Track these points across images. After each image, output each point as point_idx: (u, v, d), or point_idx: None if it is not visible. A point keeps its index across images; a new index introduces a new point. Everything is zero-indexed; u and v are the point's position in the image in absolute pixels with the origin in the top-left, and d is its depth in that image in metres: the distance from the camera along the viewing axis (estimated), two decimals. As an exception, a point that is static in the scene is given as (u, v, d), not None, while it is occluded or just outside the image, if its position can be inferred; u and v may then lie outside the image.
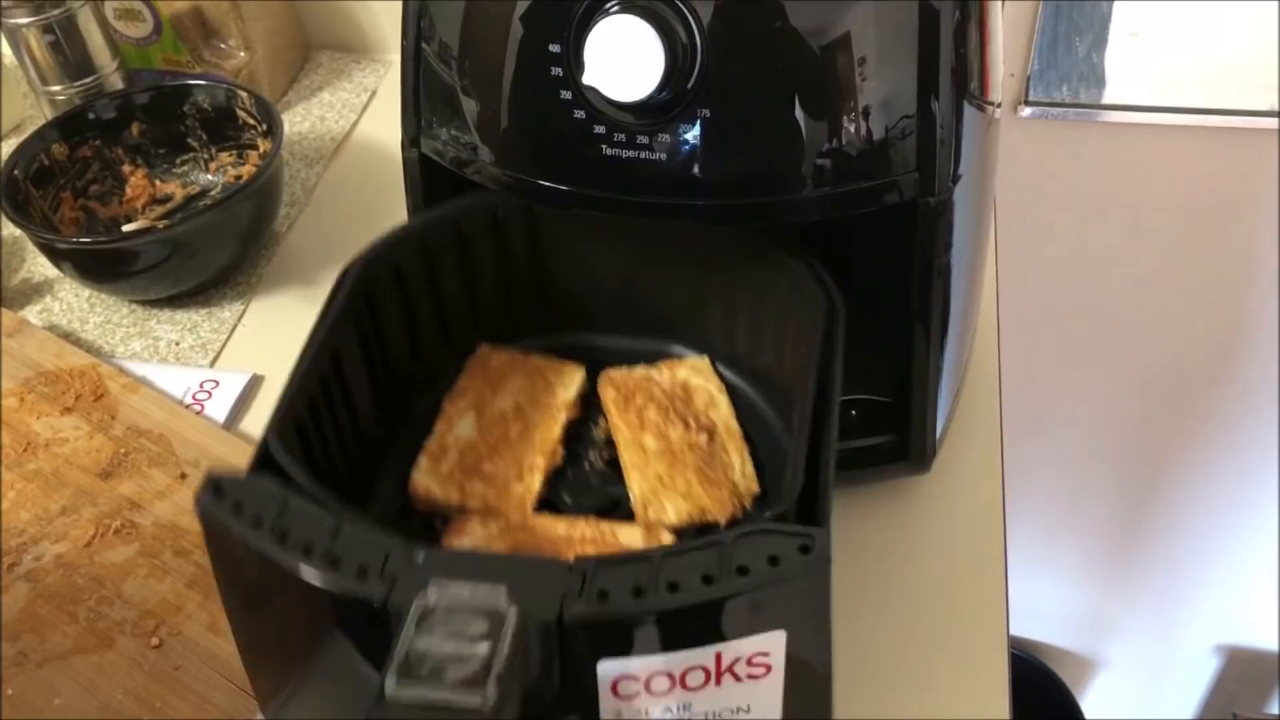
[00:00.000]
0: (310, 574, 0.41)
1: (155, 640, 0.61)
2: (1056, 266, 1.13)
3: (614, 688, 0.41)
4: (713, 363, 0.66)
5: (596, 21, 0.48)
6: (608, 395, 0.63)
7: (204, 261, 0.82)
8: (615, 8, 0.48)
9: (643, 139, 0.50)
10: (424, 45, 0.57)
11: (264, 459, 0.49)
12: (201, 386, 0.76)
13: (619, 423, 0.61)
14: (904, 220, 0.55)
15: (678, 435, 0.60)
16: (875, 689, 0.58)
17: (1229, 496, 1.32)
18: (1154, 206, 1.08)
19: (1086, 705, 1.47)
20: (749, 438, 0.62)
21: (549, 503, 0.60)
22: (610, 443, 0.61)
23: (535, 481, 0.59)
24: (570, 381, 0.64)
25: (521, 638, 0.37)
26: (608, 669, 0.40)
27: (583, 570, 0.40)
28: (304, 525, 0.43)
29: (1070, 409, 1.27)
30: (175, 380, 0.76)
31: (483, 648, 0.36)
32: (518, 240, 0.64)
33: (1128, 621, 1.50)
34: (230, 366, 0.79)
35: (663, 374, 0.65)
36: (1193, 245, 1.10)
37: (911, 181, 0.53)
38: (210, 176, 0.91)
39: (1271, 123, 1.00)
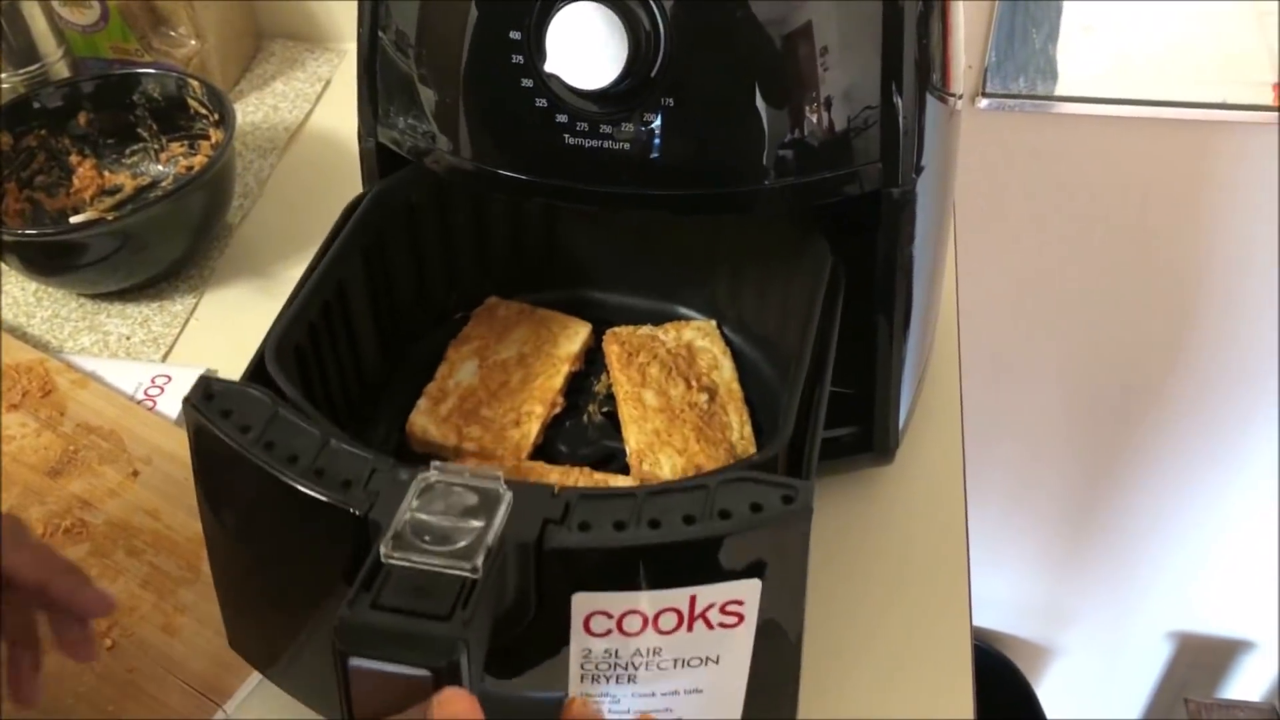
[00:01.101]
0: (294, 482, 0.40)
1: (108, 642, 0.60)
2: (1012, 257, 1.14)
3: (587, 623, 0.41)
4: (719, 326, 0.67)
5: (558, 9, 0.47)
6: (611, 350, 0.63)
7: (155, 254, 0.80)
8: (577, -6, 0.47)
9: (605, 128, 0.50)
10: (380, 33, 0.56)
11: (257, 372, 0.49)
12: (153, 382, 0.74)
13: (620, 377, 0.62)
14: (866, 212, 0.55)
15: (678, 393, 0.61)
16: (840, 677, 0.58)
17: (1180, 487, 1.34)
18: (1108, 197, 1.09)
19: (1043, 693, 1.49)
20: (750, 402, 0.62)
21: (545, 451, 0.61)
22: (611, 398, 0.62)
23: (532, 429, 0.60)
24: (575, 335, 0.65)
25: (512, 520, 0.37)
26: (582, 601, 0.40)
27: (566, 500, 0.40)
28: (292, 437, 0.42)
29: (1023, 401, 1.28)
30: (126, 376, 0.75)
31: (475, 524, 0.37)
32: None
33: (1082, 611, 1.52)
34: (183, 361, 0.77)
35: (668, 334, 0.65)
36: (1145, 235, 1.11)
37: (875, 172, 0.53)
38: (161, 167, 0.89)
39: (1220, 114, 1.01)
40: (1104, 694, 1.63)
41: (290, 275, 0.83)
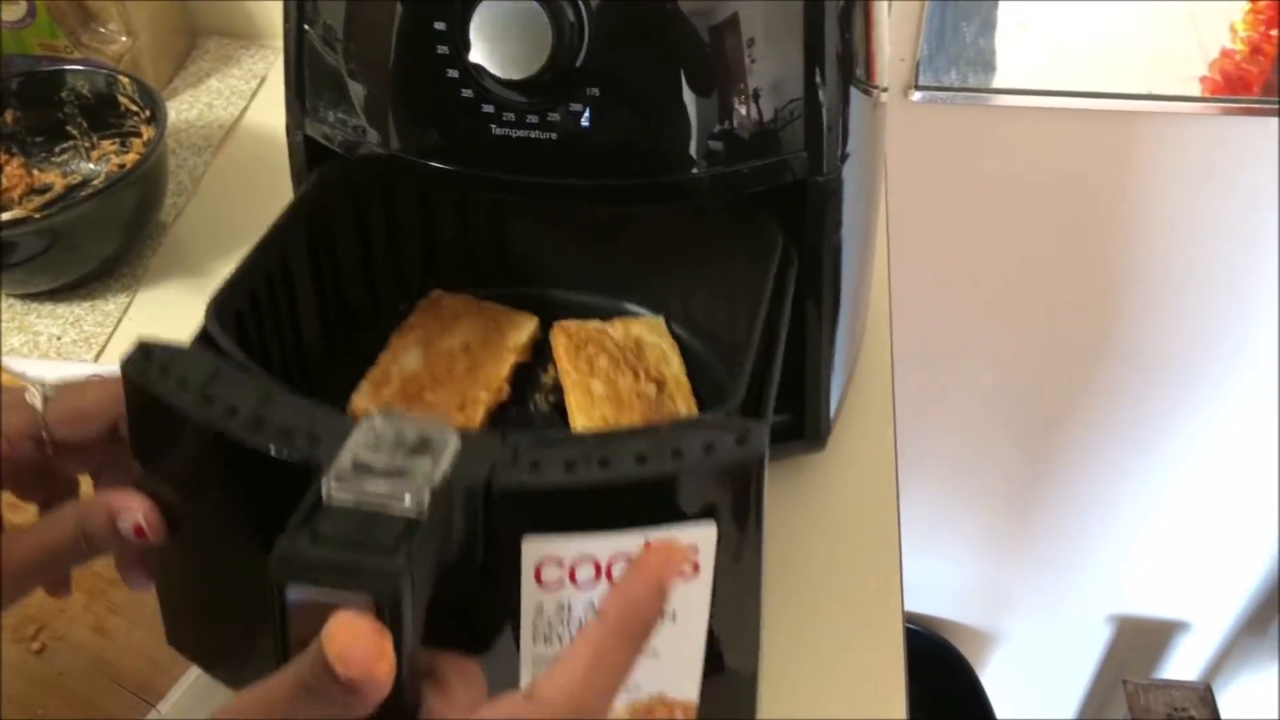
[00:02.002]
0: (234, 434, 0.39)
1: (36, 645, 0.59)
2: (945, 247, 1.16)
3: (538, 573, 0.40)
4: (668, 323, 0.67)
5: (482, -1, 0.47)
6: (559, 342, 0.64)
7: (86, 253, 0.79)
8: (501, -15, 0.47)
9: (532, 118, 0.50)
10: (307, 26, 0.55)
11: (202, 338, 0.49)
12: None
13: (568, 366, 0.62)
14: (793, 200, 0.55)
15: (626, 384, 0.61)
16: (772, 664, 0.58)
17: (1112, 472, 1.37)
18: (1039, 187, 1.11)
19: (986, 678, 1.51)
20: (699, 395, 0.62)
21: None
22: (558, 388, 0.62)
23: (477, 414, 0.59)
24: (523, 327, 0.65)
25: (459, 464, 0.36)
26: (533, 548, 0.39)
27: (515, 444, 0.39)
28: (232, 391, 0.41)
29: (959, 388, 1.30)
30: (57, 376, 0.74)
31: (423, 463, 0.35)
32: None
33: (1022, 595, 1.55)
34: (116, 361, 0.76)
35: (616, 329, 0.66)
36: (1074, 224, 1.13)
37: (801, 161, 0.53)
38: (92, 165, 0.88)
39: (1149, 105, 1.03)
40: (1046, 677, 1.66)
41: (225, 272, 0.82)
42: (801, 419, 0.62)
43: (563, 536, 0.39)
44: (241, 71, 1.04)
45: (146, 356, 0.43)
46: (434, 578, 0.36)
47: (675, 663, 0.43)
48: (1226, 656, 1.58)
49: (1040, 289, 1.19)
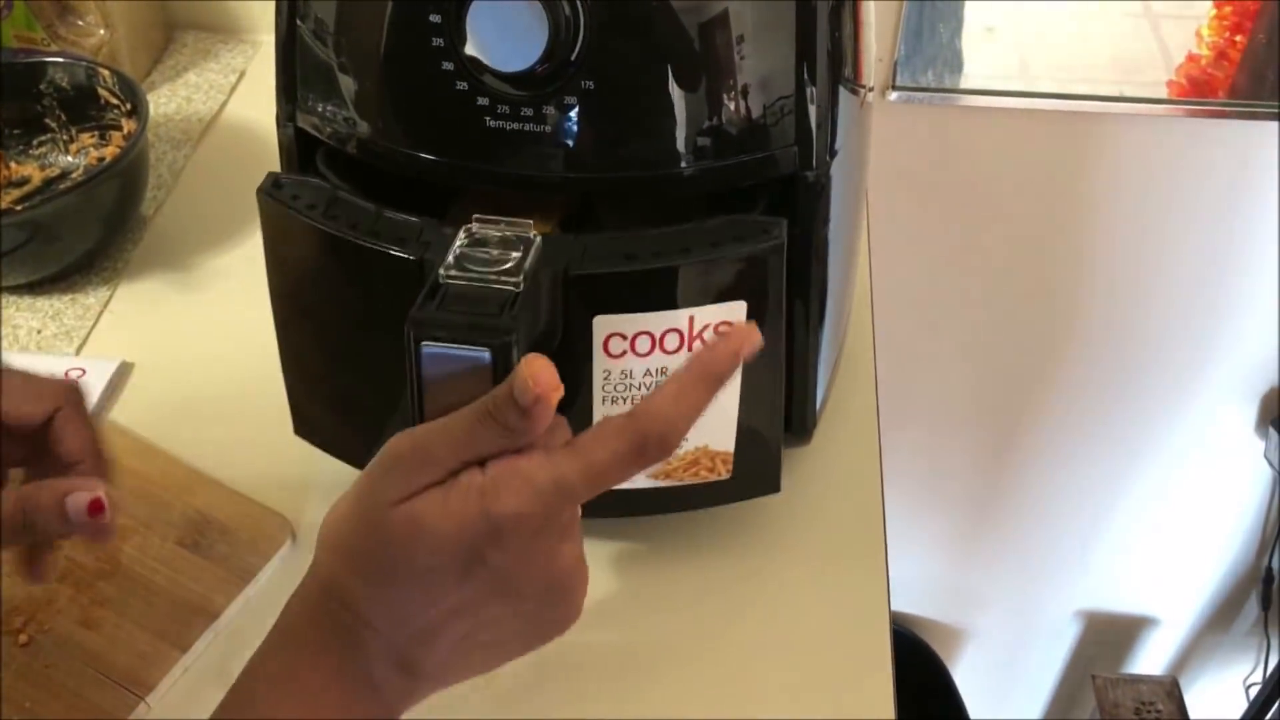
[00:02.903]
0: (358, 240, 0.50)
1: (23, 638, 0.58)
2: (920, 246, 1.17)
3: (606, 344, 0.50)
4: None
5: (479, -8, 0.47)
6: (601, 206, 0.64)
7: (66, 246, 0.78)
8: (497, -21, 0.48)
9: (526, 111, 0.50)
10: (298, 17, 0.55)
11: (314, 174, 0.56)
12: (66, 375, 0.73)
13: (610, 218, 0.63)
14: (782, 195, 0.56)
15: None
16: (759, 656, 0.59)
17: (1084, 468, 1.38)
18: (1013, 186, 1.12)
19: (957, 673, 1.53)
20: None
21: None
22: None
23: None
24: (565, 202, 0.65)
25: (542, 256, 0.46)
26: (601, 324, 0.50)
27: (584, 243, 0.50)
28: (350, 212, 0.52)
29: (928, 386, 1.31)
30: (38, 369, 0.73)
31: (514, 255, 0.45)
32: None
33: (993, 592, 1.56)
34: (97, 355, 0.76)
35: None
36: (1045, 222, 1.15)
37: (791, 156, 0.54)
38: (71, 158, 0.87)
39: (1117, 107, 1.05)
40: (1016, 672, 1.68)
41: (208, 265, 0.83)
42: (788, 412, 0.62)
43: (625, 314, 0.50)
44: (220, 66, 1.03)
45: (278, 185, 0.54)
46: (529, 347, 0.45)
47: (715, 419, 0.54)
48: (1193, 651, 1.60)
49: (1009, 288, 1.21)
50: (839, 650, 0.59)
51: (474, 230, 0.46)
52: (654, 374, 0.52)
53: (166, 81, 1.01)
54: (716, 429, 0.55)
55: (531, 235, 0.46)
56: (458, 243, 0.45)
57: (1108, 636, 1.60)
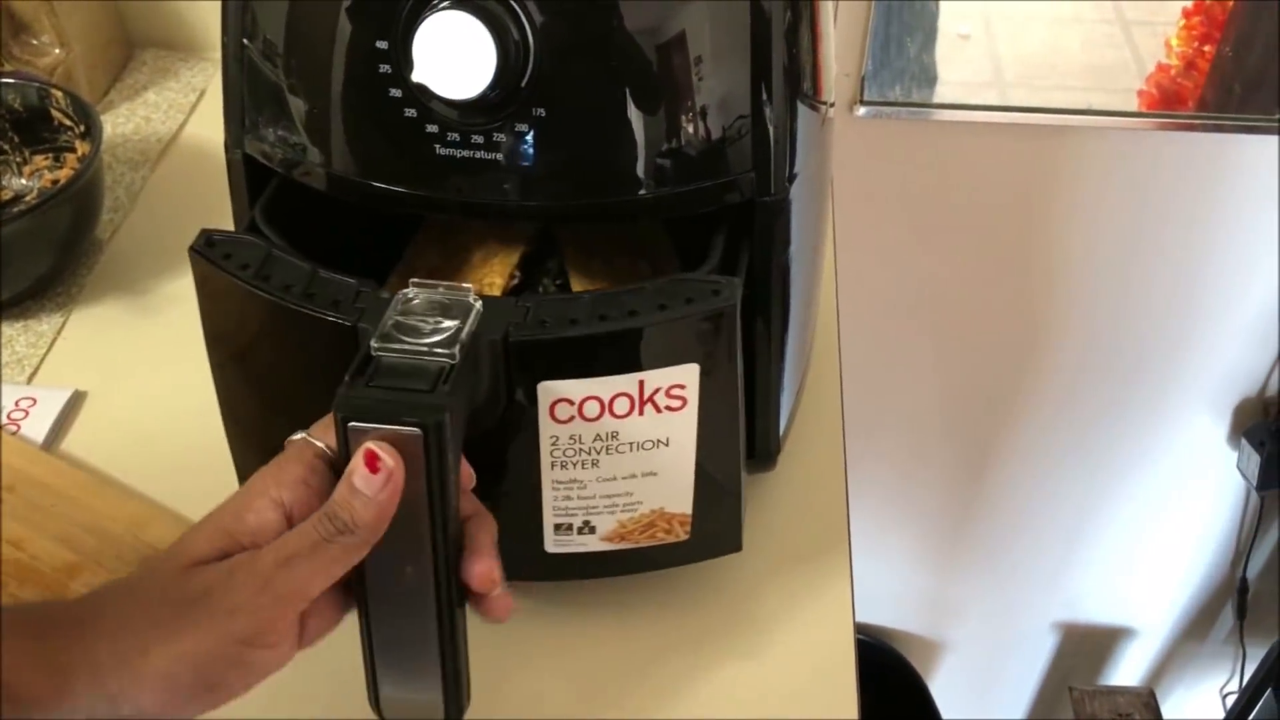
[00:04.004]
0: (291, 304, 0.48)
1: None
2: (890, 260, 1.17)
3: (552, 410, 0.48)
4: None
5: (425, 17, 0.46)
6: (563, 235, 0.64)
7: (18, 271, 0.77)
8: (444, 3, 0.47)
9: (477, 138, 0.49)
10: (247, 41, 0.54)
11: (250, 228, 0.55)
12: (17, 405, 0.71)
13: (571, 250, 0.63)
14: (742, 219, 0.55)
15: (624, 263, 0.63)
16: (726, 682, 0.58)
17: (1059, 480, 1.38)
18: (981, 200, 1.12)
19: (934, 686, 1.52)
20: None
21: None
22: (563, 273, 0.63)
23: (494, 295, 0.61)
24: (525, 230, 0.65)
25: (482, 322, 0.44)
26: (547, 390, 0.48)
27: (527, 305, 0.48)
28: (284, 272, 0.50)
29: (902, 400, 1.30)
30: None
31: (452, 324, 0.43)
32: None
33: (969, 605, 1.56)
34: (49, 383, 0.74)
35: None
36: (1015, 236, 1.15)
37: (749, 181, 0.53)
38: (25, 181, 0.85)
39: (1087, 120, 1.05)
40: (993, 686, 1.67)
41: (164, 291, 0.81)
42: (751, 439, 0.61)
43: (571, 380, 0.48)
44: (180, 85, 1.02)
45: (210, 244, 0.52)
46: (467, 419, 0.44)
47: (671, 481, 0.52)
48: (1169, 661, 1.60)
49: (982, 301, 1.20)
50: (805, 677, 0.59)
51: (410, 296, 0.44)
52: (604, 437, 0.50)
53: (125, 100, 1.00)
54: (672, 492, 0.53)
55: (471, 300, 0.44)
56: (392, 310, 0.44)
57: (1084, 648, 1.59)
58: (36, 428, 0.70)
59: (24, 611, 0.40)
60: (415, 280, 0.45)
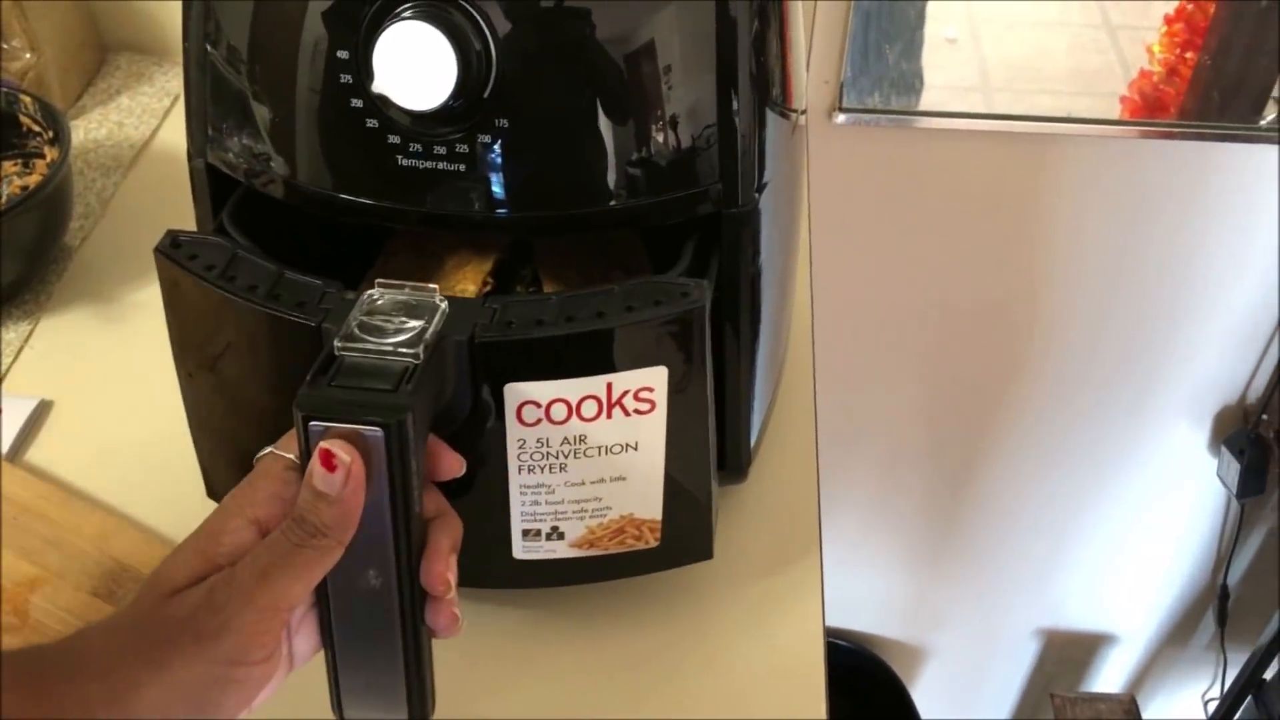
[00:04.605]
0: (255, 305, 0.47)
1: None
2: (868, 266, 1.16)
3: (519, 413, 0.48)
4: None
5: (385, 27, 0.46)
6: (537, 242, 0.64)
7: (-16, 279, 0.76)
8: (405, 13, 0.46)
9: (440, 149, 0.49)
10: (209, 48, 0.54)
11: (218, 231, 0.55)
12: (-17, 416, 0.70)
13: (545, 256, 0.63)
14: (712, 227, 0.55)
15: (598, 271, 0.63)
16: (696, 695, 0.58)
17: (1040, 486, 1.38)
18: (960, 207, 1.11)
19: (916, 692, 1.52)
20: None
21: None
22: (537, 280, 0.63)
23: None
24: (498, 238, 0.65)
25: (448, 323, 0.44)
26: (514, 392, 0.47)
27: (494, 306, 0.47)
28: (250, 272, 0.49)
29: (883, 406, 1.30)
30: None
31: (416, 324, 0.43)
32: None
33: (951, 611, 1.55)
34: (16, 392, 0.73)
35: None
36: (994, 243, 1.14)
37: (717, 192, 0.52)
38: (-7, 187, 0.85)
39: (1068, 128, 1.05)
40: (975, 692, 1.67)
41: (134, 299, 0.81)
42: (721, 450, 0.61)
43: (538, 381, 0.47)
44: (154, 89, 1.01)
45: (175, 244, 0.51)
46: (431, 419, 0.43)
47: (640, 487, 0.52)
48: (1151, 668, 1.60)
49: (961, 309, 1.20)
50: (775, 686, 0.58)
51: (375, 296, 0.44)
52: (572, 441, 0.49)
53: (98, 105, 0.99)
54: (641, 498, 0.52)
55: (437, 300, 0.44)
56: (356, 310, 0.43)
57: (1066, 654, 1.59)
58: (1, 438, 0.69)
59: (15, 658, 0.40)
60: (381, 280, 0.44)
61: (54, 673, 0.39)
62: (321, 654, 0.45)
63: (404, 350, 0.42)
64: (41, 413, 0.72)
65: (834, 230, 1.04)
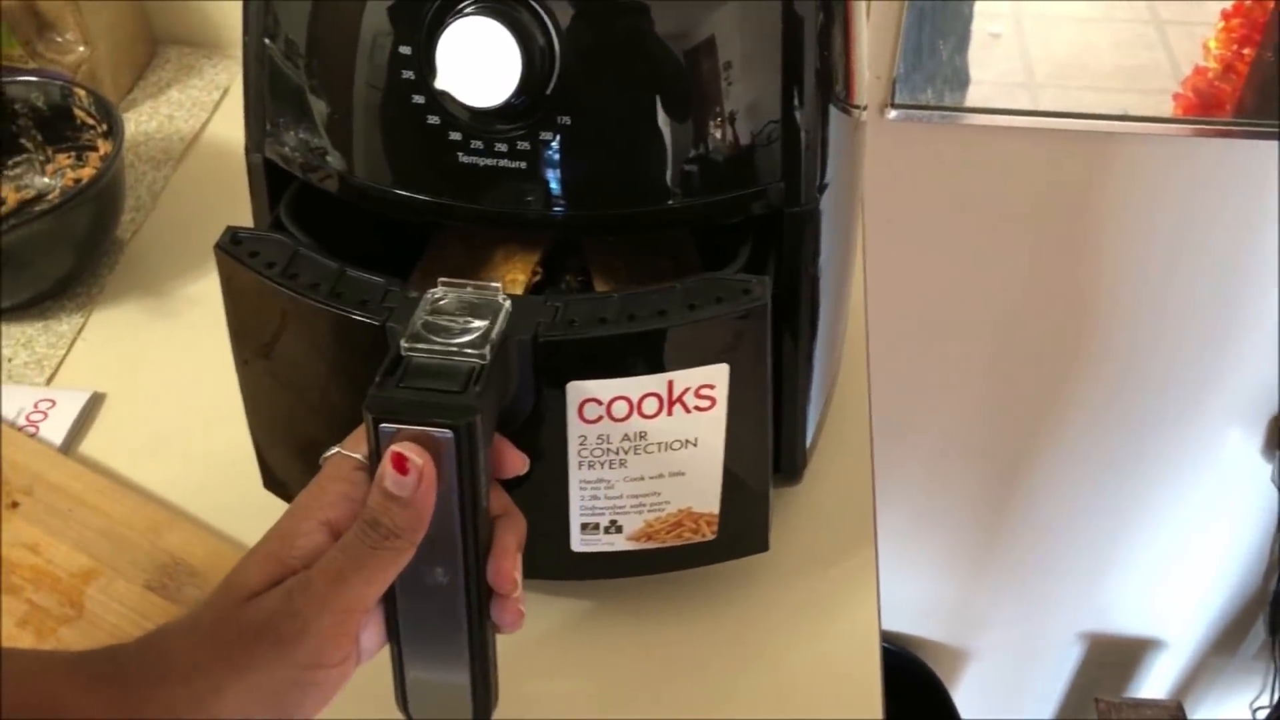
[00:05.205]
0: (318, 303, 0.48)
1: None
2: (921, 265, 1.15)
3: (581, 410, 0.48)
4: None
5: (449, 23, 0.45)
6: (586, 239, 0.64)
7: (39, 272, 0.76)
8: (469, 9, 0.46)
9: (501, 146, 0.48)
10: (268, 43, 0.53)
11: (275, 226, 0.55)
12: (36, 406, 0.71)
13: (593, 245, 0.63)
14: (770, 226, 0.54)
15: (647, 262, 0.63)
16: (752, 690, 0.57)
17: (1089, 489, 1.36)
18: (1015, 205, 1.10)
19: (958, 695, 1.50)
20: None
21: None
22: (585, 270, 0.63)
23: (517, 292, 0.61)
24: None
25: (512, 322, 0.44)
26: (575, 390, 0.47)
27: (556, 305, 0.47)
28: (311, 270, 0.49)
29: (933, 406, 1.29)
30: (6, 400, 0.71)
31: (481, 324, 0.43)
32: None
33: (995, 613, 1.54)
34: (68, 384, 0.74)
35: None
36: (1050, 243, 1.13)
37: (778, 191, 0.52)
38: (47, 180, 0.85)
39: (1121, 126, 1.03)
40: (1017, 695, 1.65)
41: (185, 292, 0.81)
42: (777, 452, 0.60)
43: (600, 380, 0.47)
44: (203, 82, 1.01)
45: (235, 241, 0.51)
46: (496, 418, 0.44)
47: (699, 481, 0.52)
48: (1198, 674, 1.58)
49: (1014, 308, 1.19)
50: (831, 689, 0.58)
51: (439, 296, 0.44)
52: (633, 437, 0.49)
53: (148, 98, 0.99)
54: (700, 492, 0.52)
55: (500, 299, 0.44)
56: (421, 309, 0.44)
57: (1111, 659, 1.57)
58: (55, 430, 0.69)
59: (93, 658, 0.41)
60: (444, 280, 0.44)
61: (139, 676, 0.40)
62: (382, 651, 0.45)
63: (470, 351, 0.42)
64: (94, 405, 0.72)
65: (885, 227, 1.03)
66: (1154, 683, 1.60)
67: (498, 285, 0.44)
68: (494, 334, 0.42)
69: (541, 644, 0.59)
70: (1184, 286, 1.15)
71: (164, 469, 0.68)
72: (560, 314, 0.47)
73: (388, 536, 0.40)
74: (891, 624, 1.53)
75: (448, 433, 0.39)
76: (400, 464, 0.39)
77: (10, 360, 0.75)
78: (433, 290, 0.44)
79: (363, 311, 0.47)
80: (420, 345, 0.42)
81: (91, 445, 0.70)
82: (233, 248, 0.51)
